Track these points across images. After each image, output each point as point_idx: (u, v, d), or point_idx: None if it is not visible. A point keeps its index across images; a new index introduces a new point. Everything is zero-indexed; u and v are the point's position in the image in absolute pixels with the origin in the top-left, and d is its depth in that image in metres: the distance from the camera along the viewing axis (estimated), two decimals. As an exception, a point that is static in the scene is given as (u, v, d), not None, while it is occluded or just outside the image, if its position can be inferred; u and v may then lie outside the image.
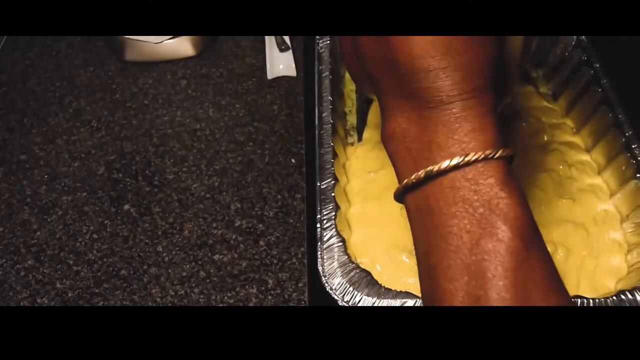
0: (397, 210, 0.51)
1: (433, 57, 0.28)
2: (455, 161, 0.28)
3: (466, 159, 0.27)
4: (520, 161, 0.55)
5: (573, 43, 0.58)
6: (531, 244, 0.27)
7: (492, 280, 0.27)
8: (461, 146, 0.28)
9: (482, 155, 0.28)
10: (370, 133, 0.58)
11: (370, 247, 0.49)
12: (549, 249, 0.40)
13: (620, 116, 0.52)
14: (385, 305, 0.42)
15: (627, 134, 0.51)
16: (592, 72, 0.55)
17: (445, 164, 0.28)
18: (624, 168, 0.50)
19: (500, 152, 0.28)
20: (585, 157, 0.55)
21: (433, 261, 0.29)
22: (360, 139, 0.57)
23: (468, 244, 0.27)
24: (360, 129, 0.58)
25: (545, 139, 0.57)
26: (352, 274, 0.43)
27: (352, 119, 0.60)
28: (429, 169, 0.28)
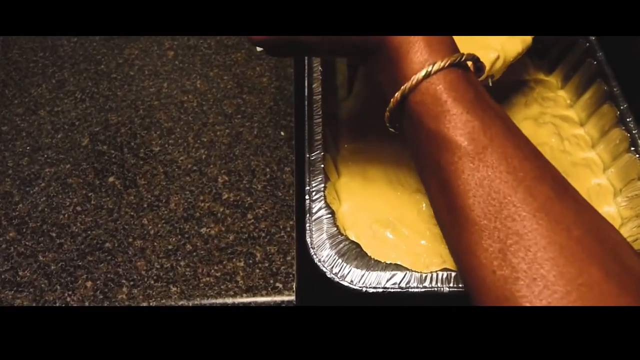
0: (383, 184, 0.50)
1: None
2: (411, 81, 0.29)
3: (415, 77, 0.29)
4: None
5: (569, 15, 0.57)
6: (486, 145, 0.28)
7: (458, 188, 0.28)
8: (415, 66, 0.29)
9: (426, 71, 0.28)
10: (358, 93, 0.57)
11: (356, 220, 0.48)
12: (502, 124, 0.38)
13: (615, 89, 0.51)
14: (374, 276, 0.41)
15: (621, 107, 0.50)
16: (587, 44, 0.54)
17: (405, 85, 0.29)
18: (617, 142, 0.49)
19: (442, 62, 0.28)
20: (579, 131, 0.54)
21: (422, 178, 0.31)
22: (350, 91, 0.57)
23: (433, 164, 0.29)
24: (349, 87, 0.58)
25: (539, 111, 0.56)
26: (340, 245, 0.43)
27: (343, 92, 0.58)
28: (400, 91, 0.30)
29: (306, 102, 0.51)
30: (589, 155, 0.52)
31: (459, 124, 0.28)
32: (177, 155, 0.56)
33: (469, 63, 0.31)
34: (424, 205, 0.48)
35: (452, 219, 0.29)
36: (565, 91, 0.57)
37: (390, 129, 0.32)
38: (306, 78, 0.53)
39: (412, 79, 0.29)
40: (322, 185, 0.46)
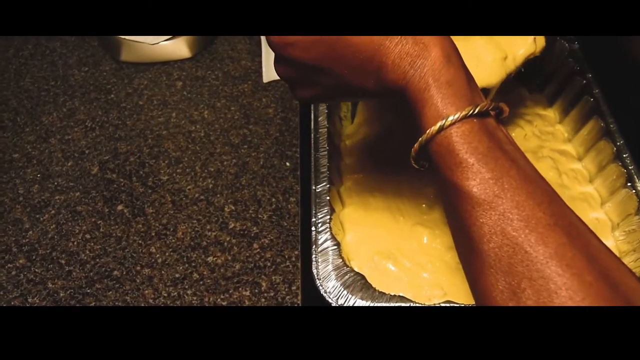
0: (385, 215, 0.51)
1: None
2: (426, 134, 0.31)
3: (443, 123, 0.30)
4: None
5: (566, 53, 0.59)
6: (498, 194, 0.29)
7: (474, 234, 0.30)
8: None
9: (440, 125, 0.30)
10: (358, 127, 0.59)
11: (359, 251, 0.49)
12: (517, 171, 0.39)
13: (611, 125, 0.53)
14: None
15: (618, 144, 0.51)
16: (584, 82, 0.56)
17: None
18: (614, 177, 0.51)
19: (455, 115, 0.29)
20: (577, 166, 0.55)
21: None
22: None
23: (452, 208, 0.31)
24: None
25: (538, 144, 0.57)
26: (346, 277, 0.44)
27: (347, 123, 0.60)
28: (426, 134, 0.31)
29: (312, 135, 0.53)
30: (587, 190, 0.53)
31: (471, 175, 0.29)
32: (184, 184, 0.57)
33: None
34: (425, 238, 0.49)
35: (469, 259, 0.31)
36: (563, 125, 0.59)
37: (415, 166, 0.34)
38: (312, 111, 0.54)
39: (427, 132, 0.30)
40: (328, 216, 0.47)
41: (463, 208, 0.30)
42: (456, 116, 0.29)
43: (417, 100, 0.31)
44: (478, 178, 0.29)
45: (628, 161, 0.50)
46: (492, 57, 0.44)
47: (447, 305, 0.43)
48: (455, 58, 0.31)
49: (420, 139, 0.31)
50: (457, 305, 0.43)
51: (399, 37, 0.30)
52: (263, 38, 0.68)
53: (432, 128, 0.30)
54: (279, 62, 0.36)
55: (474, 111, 0.29)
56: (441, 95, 0.30)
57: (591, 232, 0.30)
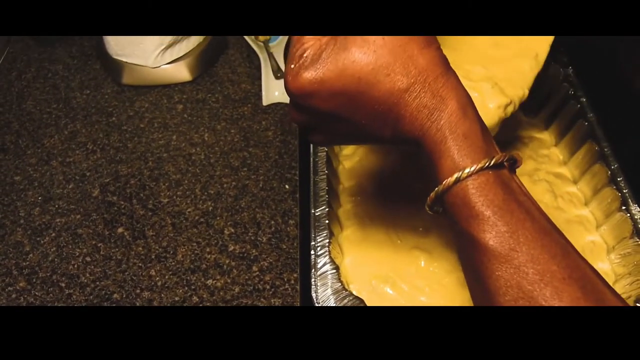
0: (382, 238, 0.52)
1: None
2: (442, 185, 0.31)
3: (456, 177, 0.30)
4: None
5: (561, 77, 0.60)
6: (513, 248, 0.30)
7: (490, 286, 0.30)
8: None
9: (456, 177, 0.30)
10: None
11: (358, 274, 0.50)
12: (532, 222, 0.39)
13: (605, 149, 0.53)
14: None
15: (612, 167, 0.52)
16: (578, 106, 0.57)
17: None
18: (609, 200, 0.51)
19: (471, 168, 0.30)
20: (573, 189, 0.56)
21: None
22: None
23: (467, 259, 0.32)
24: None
25: (534, 167, 0.58)
26: (345, 301, 0.44)
27: (345, 147, 0.61)
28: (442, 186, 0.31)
29: (311, 158, 0.54)
30: (583, 213, 0.54)
31: (486, 228, 0.30)
32: (184, 206, 0.57)
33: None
34: (422, 262, 0.49)
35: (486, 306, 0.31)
36: (558, 148, 0.60)
37: (430, 212, 0.34)
38: (311, 135, 0.55)
39: (443, 183, 0.31)
40: (327, 240, 0.47)
41: (479, 260, 0.30)
42: (472, 168, 0.30)
43: (433, 151, 0.31)
44: (494, 231, 0.29)
45: (622, 185, 0.51)
46: (497, 103, 0.45)
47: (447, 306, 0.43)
48: (470, 110, 0.31)
49: (436, 189, 0.31)
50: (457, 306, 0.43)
51: (419, 89, 0.31)
52: (263, 63, 0.69)
53: (449, 180, 0.30)
54: (295, 109, 0.35)
55: (489, 163, 0.30)
56: (457, 148, 0.30)
57: (605, 283, 0.30)
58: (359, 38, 0.31)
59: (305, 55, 0.32)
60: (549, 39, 0.49)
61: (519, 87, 0.46)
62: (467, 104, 0.31)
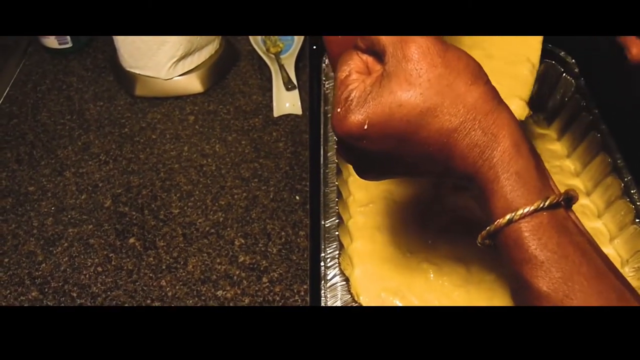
0: (392, 250, 0.51)
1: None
2: (495, 225, 0.30)
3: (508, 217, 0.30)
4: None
5: (572, 89, 0.60)
6: (567, 294, 0.29)
7: None
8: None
9: (509, 218, 0.29)
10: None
11: (367, 286, 0.50)
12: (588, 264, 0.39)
13: (619, 161, 0.53)
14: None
15: (625, 179, 0.52)
16: (591, 117, 0.57)
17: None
18: (623, 213, 0.51)
19: (524, 209, 0.29)
20: (586, 201, 0.55)
21: None
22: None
23: (520, 299, 0.31)
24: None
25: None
26: (355, 313, 0.44)
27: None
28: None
29: (322, 170, 0.54)
30: (596, 226, 0.53)
31: (540, 274, 0.29)
32: (195, 217, 0.58)
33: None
34: (431, 274, 0.49)
35: None
36: (571, 160, 0.59)
37: (480, 246, 0.33)
38: (322, 146, 0.55)
39: (495, 222, 0.29)
40: (337, 252, 0.47)
41: (531, 302, 0.29)
42: (526, 210, 0.29)
43: (485, 189, 0.30)
44: (547, 277, 0.29)
45: (636, 197, 0.50)
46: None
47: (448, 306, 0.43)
48: (524, 147, 0.30)
49: (488, 228, 0.30)
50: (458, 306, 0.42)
51: (469, 127, 0.30)
52: (274, 74, 0.69)
53: (501, 220, 0.29)
54: (344, 150, 0.35)
55: (544, 204, 0.29)
56: (510, 188, 0.29)
57: None
58: (403, 79, 0.30)
59: (350, 98, 0.31)
60: (537, 39, 0.49)
61: (524, 91, 0.46)
62: (521, 140, 0.30)
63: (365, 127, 0.31)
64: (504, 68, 0.48)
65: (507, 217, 0.29)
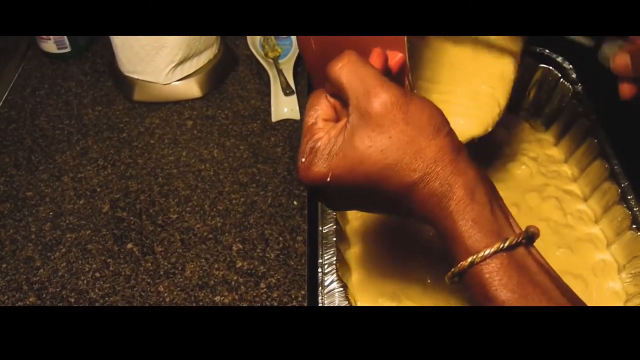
0: (390, 255, 0.52)
1: None
2: (458, 267, 0.32)
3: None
4: (521, 205, 0.56)
5: (570, 94, 0.60)
6: None
7: None
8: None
9: (470, 261, 0.31)
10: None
11: (365, 292, 0.50)
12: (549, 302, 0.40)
13: (616, 167, 0.53)
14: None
15: (622, 185, 0.52)
16: (588, 123, 0.57)
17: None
18: (620, 219, 0.51)
19: (484, 252, 0.30)
20: (583, 206, 0.56)
21: None
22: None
23: None
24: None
25: (543, 182, 0.58)
26: (352, 319, 0.44)
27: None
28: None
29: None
30: (593, 231, 0.53)
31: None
32: (193, 222, 0.58)
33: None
34: (429, 279, 0.49)
35: None
36: (568, 165, 0.60)
37: (449, 283, 0.34)
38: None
39: (458, 265, 0.31)
40: (334, 258, 0.47)
41: None
42: (485, 253, 0.30)
43: (445, 235, 0.32)
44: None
45: (633, 203, 0.51)
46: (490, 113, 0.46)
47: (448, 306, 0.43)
48: (480, 193, 0.31)
49: (452, 269, 0.32)
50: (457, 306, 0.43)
51: (427, 179, 0.31)
52: (272, 79, 0.69)
53: (463, 263, 0.31)
54: (310, 190, 0.37)
55: (503, 246, 0.30)
56: (467, 234, 0.31)
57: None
58: (365, 135, 0.31)
59: (315, 148, 0.33)
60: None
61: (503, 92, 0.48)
62: (476, 187, 0.31)
63: (328, 179, 0.32)
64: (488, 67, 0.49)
65: (469, 259, 0.30)
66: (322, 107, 0.35)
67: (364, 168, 0.31)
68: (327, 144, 0.33)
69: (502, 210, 0.33)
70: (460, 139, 0.34)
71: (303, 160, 0.33)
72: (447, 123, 0.32)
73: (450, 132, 0.32)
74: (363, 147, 0.31)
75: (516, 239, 0.30)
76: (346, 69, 0.32)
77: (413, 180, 0.31)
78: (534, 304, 0.30)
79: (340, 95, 0.33)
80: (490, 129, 0.47)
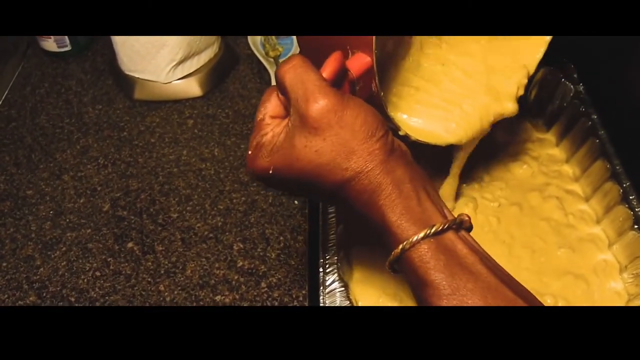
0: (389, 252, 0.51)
1: None
2: (393, 255, 0.34)
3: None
4: (522, 204, 0.56)
5: (571, 94, 0.60)
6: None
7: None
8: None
9: (401, 248, 0.33)
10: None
11: (366, 292, 0.49)
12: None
13: (617, 167, 0.53)
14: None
15: (624, 185, 0.52)
16: (589, 123, 0.57)
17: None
18: (621, 219, 0.51)
19: (412, 239, 0.32)
20: (584, 206, 0.55)
21: None
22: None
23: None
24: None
25: (544, 181, 0.58)
26: (353, 319, 0.44)
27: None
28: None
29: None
30: (594, 231, 0.53)
31: (432, 292, 0.32)
32: (194, 222, 0.58)
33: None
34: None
35: None
36: (570, 165, 0.59)
37: (389, 271, 0.36)
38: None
39: (392, 253, 0.34)
40: (336, 257, 0.47)
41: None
42: (414, 239, 0.32)
43: (378, 227, 0.34)
44: (439, 295, 0.32)
45: (635, 203, 0.50)
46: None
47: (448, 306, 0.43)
48: (407, 187, 0.34)
49: (389, 259, 0.34)
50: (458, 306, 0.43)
51: (358, 178, 0.34)
52: (273, 78, 0.69)
53: (395, 251, 0.33)
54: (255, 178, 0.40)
55: (429, 232, 0.32)
56: (397, 224, 0.33)
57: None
58: (302, 135, 0.34)
59: (260, 143, 0.36)
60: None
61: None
62: (404, 182, 0.34)
63: (270, 172, 0.35)
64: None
65: (400, 247, 0.33)
66: (271, 104, 0.37)
67: (300, 165, 0.34)
68: (271, 140, 0.35)
69: (433, 201, 0.35)
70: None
71: (249, 153, 0.37)
72: (383, 127, 0.35)
73: (384, 136, 0.35)
74: (300, 146, 0.34)
75: (442, 226, 0.33)
76: (290, 73, 0.34)
77: (345, 178, 0.34)
78: (461, 282, 0.31)
79: (285, 96, 0.36)
80: (464, 142, 0.48)
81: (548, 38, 0.50)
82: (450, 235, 0.33)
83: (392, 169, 0.34)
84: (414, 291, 0.34)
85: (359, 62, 0.38)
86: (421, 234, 0.32)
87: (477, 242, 0.35)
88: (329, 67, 0.36)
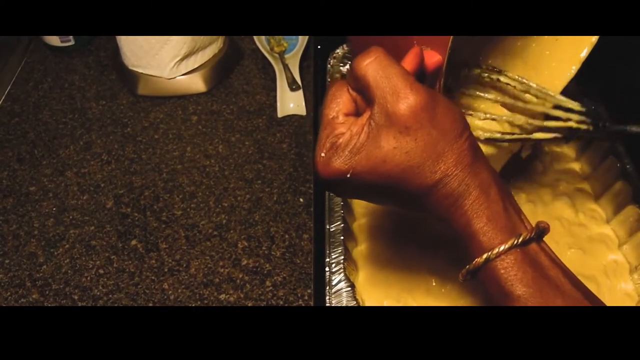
0: (396, 256, 0.51)
1: None
2: (473, 264, 0.32)
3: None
4: (536, 202, 0.55)
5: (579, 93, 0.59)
6: None
7: None
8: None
9: (486, 258, 0.31)
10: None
11: (371, 293, 0.49)
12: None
13: (628, 166, 0.52)
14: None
15: (635, 185, 0.51)
16: (600, 121, 0.56)
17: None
18: (632, 219, 0.50)
19: (498, 249, 0.31)
20: (594, 205, 0.55)
21: None
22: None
23: None
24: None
25: (555, 178, 0.57)
26: (360, 320, 0.43)
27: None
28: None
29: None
30: (604, 231, 0.52)
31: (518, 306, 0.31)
32: (198, 219, 0.57)
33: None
34: (433, 281, 0.48)
35: None
36: (580, 163, 0.59)
37: (462, 280, 0.34)
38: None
39: (474, 262, 0.32)
40: (342, 257, 0.47)
41: None
42: (501, 249, 0.31)
43: (460, 233, 0.32)
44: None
45: (646, 203, 0.50)
46: None
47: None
48: (494, 192, 0.32)
49: (467, 266, 0.32)
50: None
51: (446, 181, 0.32)
52: (278, 74, 0.68)
53: (478, 260, 0.31)
54: (324, 185, 0.38)
55: (517, 242, 0.31)
56: (482, 231, 0.31)
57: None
58: (391, 135, 0.31)
59: (336, 145, 0.33)
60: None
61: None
62: (491, 186, 0.32)
63: (348, 175, 0.32)
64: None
65: (484, 256, 0.31)
66: (343, 100, 0.34)
67: (386, 168, 0.31)
68: (349, 141, 0.32)
69: (514, 207, 0.33)
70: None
71: (322, 155, 0.33)
72: (468, 127, 0.33)
73: (471, 136, 0.33)
74: (388, 147, 0.31)
75: (529, 235, 0.31)
76: (373, 67, 0.32)
77: (433, 182, 0.32)
78: (549, 298, 0.30)
79: (363, 92, 0.33)
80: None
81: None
82: (534, 246, 0.32)
83: (479, 171, 0.32)
84: (491, 301, 0.32)
85: (431, 59, 0.35)
86: (508, 244, 0.31)
87: (553, 251, 0.33)
88: (411, 63, 0.34)
